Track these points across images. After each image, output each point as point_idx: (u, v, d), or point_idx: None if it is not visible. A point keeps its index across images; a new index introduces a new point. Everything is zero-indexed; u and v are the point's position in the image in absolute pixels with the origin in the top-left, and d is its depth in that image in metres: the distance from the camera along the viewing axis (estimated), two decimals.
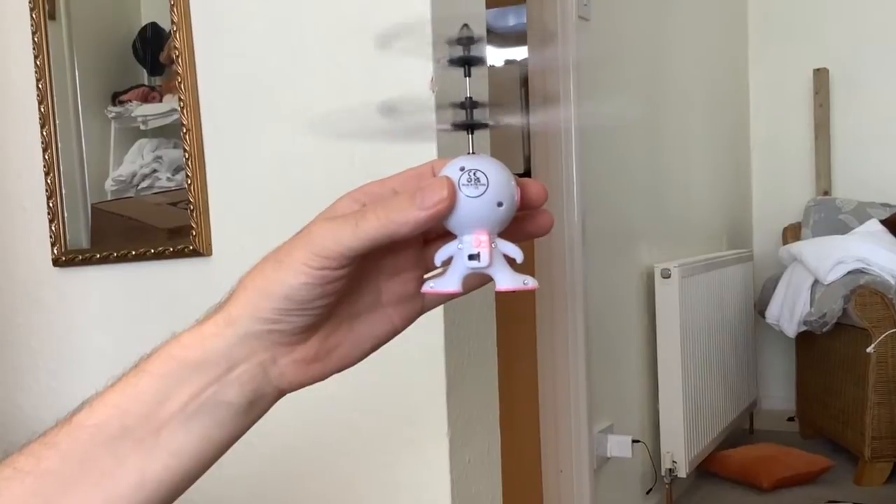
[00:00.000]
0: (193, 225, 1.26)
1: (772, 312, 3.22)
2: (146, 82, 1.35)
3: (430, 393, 1.17)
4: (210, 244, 1.27)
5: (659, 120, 2.88)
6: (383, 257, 0.46)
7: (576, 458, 2.21)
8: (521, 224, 0.45)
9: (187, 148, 1.26)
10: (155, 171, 1.33)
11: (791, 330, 3.10)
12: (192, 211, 1.26)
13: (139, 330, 1.34)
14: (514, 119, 0.46)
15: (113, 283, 1.37)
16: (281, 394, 0.47)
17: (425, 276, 0.47)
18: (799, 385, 3.52)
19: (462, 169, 0.41)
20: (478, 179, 0.41)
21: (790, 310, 3.08)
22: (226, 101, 1.27)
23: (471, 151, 0.43)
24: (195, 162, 1.25)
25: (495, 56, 2.55)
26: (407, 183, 0.45)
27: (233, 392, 0.44)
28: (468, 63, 0.43)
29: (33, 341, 1.44)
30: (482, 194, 0.41)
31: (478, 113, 0.43)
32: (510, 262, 0.43)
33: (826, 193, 3.71)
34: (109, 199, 1.38)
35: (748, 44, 3.94)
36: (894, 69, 3.66)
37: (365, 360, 0.49)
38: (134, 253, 1.31)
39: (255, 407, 0.46)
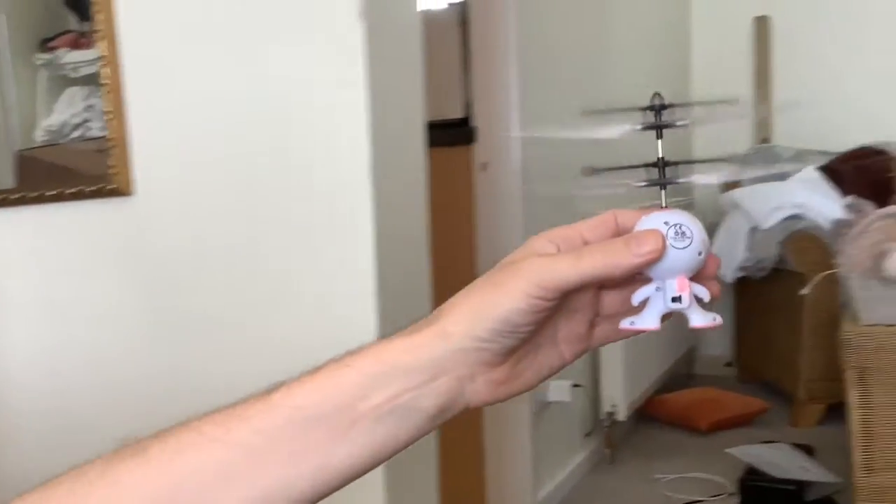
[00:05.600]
0: (112, 164, 1.21)
1: None
2: (76, 27, 1.29)
3: None
4: (131, 183, 1.22)
5: (602, 69, 2.87)
6: (566, 299, 0.49)
7: (516, 402, 2.21)
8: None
9: (106, 81, 1.20)
10: (87, 120, 1.27)
11: (729, 275, 3.14)
12: (109, 148, 1.21)
13: (57, 272, 1.29)
14: (706, 178, 0.53)
15: (30, 225, 1.31)
16: (465, 408, 0.50)
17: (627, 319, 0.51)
18: (737, 330, 3.59)
19: (667, 223, 0.46)
20: (683, 233, 0.46)
21: (728, 255, 3.12)
22: (149, 32, 1.21)
23: (663, 206, 0.49)
24: (113, 96, 1.20)
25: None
26: (593, 230, 0.49)
27: (429, 400, 0.47)
28: (660, 128, 0.50)
29: None
30: (688, 246, 0.46)
31: (669, 171, 0.50)
32: (698, 301, 0.48)
33: (766, 141, 3.75)
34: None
35: None
36: (833, 18, 3.68)
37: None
38: (49, 194, 1.25)
39: (441, 416, 0.49)
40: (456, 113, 2.28)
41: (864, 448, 2.09)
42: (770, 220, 2.95)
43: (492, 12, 2.15)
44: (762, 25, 3.75)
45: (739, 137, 3.81)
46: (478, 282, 0.48)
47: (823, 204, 2.94)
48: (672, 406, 3.02)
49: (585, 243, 0.48)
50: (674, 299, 0.46)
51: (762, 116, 3.23)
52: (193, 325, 1.23)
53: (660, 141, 0.49)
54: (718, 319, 0.48)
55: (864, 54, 3.66)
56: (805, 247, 2.82)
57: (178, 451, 0.46)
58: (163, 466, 0.45)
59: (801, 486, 2.29)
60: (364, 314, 1.15)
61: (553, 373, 0.53)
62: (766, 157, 3.47)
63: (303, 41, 1.14)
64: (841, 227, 2.14)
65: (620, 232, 0.48)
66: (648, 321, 0.47)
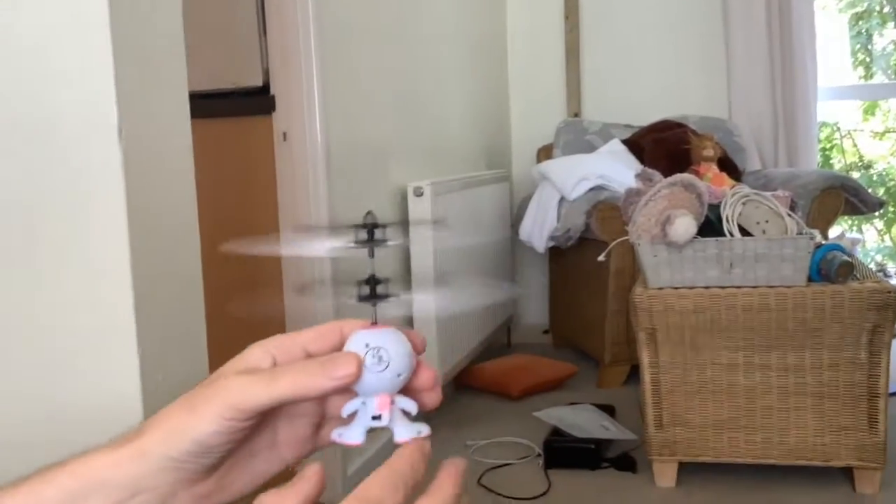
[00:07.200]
0: None
1: (524, 229, 3.34)
2: None
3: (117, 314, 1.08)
4: None
5: (410, 40, 2.85)
6: (286, 406, 0.51)
7: None
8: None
9: None
10: None
11: (541, 246, 3.23)
12: None
13: None
14: (414, 295, 0.53)
15: None
16: None
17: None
18: (551, 298, 3.71)
19: (367, 346, 0.48)
20: (381, 357, 0.47)
21: (540, 226, 3.21)
22: None
23: (374, 322, 0.50)
24: None
25: None
26: (316, 340, 0.50)
27: None
28: (372, 246, 0.51)
29: None
30: (384, 370, 0.47)
31: (380, 288, 0.51)
32: (406, 413, 0.50)
33: (576, 115, 3.87)
34: None
35: None
36: None
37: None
38: None
39: None
40: (255, 81, 2.21)
41: (655, 405, 2.20)
42: (576, 192, 3.05)
43: None
44: (571, 1, 3.85)
45: (553, 112, 3.92)
46: (180, 399, 0.49)
47: (625, 174, 3.06)
48: (486, 374, 3.09)
49: (308, 355, 0.49)
50: (374, 417, 0.48)
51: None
52: None
53: (372, 259, 0.51)
54: (424, 431, 0.49)
55: (662, 30, 3.84)
56: (608, 216, 2.93)
57: None
58: None
59: (600, 444, 2.40)
60: (121, 300, 1.08)
61: (272, 476, 0.54)
62: (576, 130, 3.59)
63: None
64: (631, 195, 2.23)
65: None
66: (354, 436, 0.49)
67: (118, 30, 1.06)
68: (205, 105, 2.00)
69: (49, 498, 0.46)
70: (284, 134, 2.16)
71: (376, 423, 0.49)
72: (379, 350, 0.48)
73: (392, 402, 0.49)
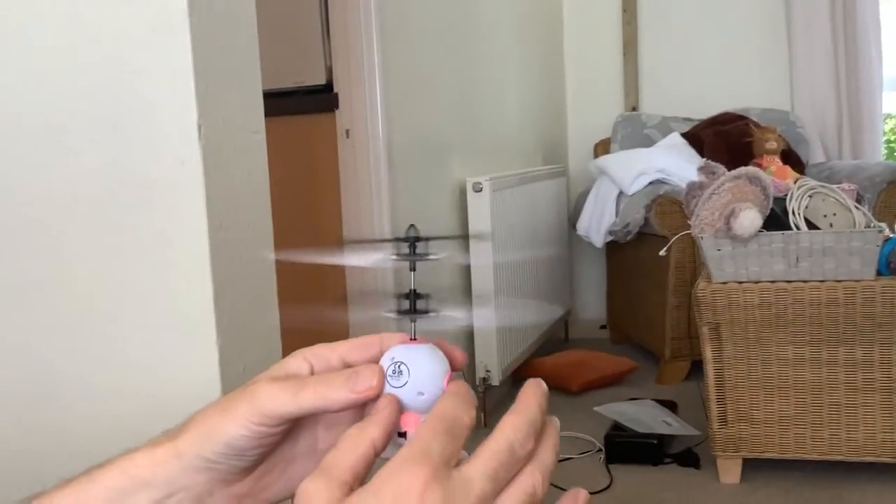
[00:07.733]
0: None
1: (582, 224, 3.33)
2: None
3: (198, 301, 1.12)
4: None
5: (468, 37, 2.86)
6: (322, 414, 0.51)
7: None
8: None
9: None
10: None
11: (598, 240, 3.22)
12: None
13: None
14: (455, 312, 0.51)
15: None
16: None
17: None
18: (609, 293, 3.69)
19: (392, 359, 0.47)
20: (400, 372, 0.47)
21: (598, 221, 3.20)
22: None
23: (413, 337, 0.49)
24: None
25: None
26: (353, 352, 0.50)
27: None
28: (413, 260, 0.50)
29: None
30: (403, 385, 0.47)
31: (420, 303, 0.50)
32: None
33: (634, 109, 3.84)
34: None
35: None
36: None
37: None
38: None
39: None
40: (318, 79, 2.24)
41: (719, 401, 2.19)
42: (635, 186, 3.03)
43: None
44: None
45: (610, 106, 3.90)
46: (217, 401, 0.50)
47: (685, 168, 3.03)
48: (546, 368, 3.09)
49: (346, 366, 0.49)
50: (400, 434, 0.47)
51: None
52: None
53: (413, 273, 0.50)
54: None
55: (722, 20, 3.79)
56: (668, 210, 2.91)
57: None
58: None
59: (663, 439, 2.38)
60: (201, 293, 1.11)
61: None
62: (634, 124, 3.56)
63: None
64: (694, 189, 2.21)
65: None
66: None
67: (197, 30, 1.09)
68: (270, 103, 2.04)
69: (95, 497, 0.48)
70: (347, 131, 2.19)
71: (401, 441, 0.47)
72: (400, 364, 0.47)
73: (421, 421, 0.46)
